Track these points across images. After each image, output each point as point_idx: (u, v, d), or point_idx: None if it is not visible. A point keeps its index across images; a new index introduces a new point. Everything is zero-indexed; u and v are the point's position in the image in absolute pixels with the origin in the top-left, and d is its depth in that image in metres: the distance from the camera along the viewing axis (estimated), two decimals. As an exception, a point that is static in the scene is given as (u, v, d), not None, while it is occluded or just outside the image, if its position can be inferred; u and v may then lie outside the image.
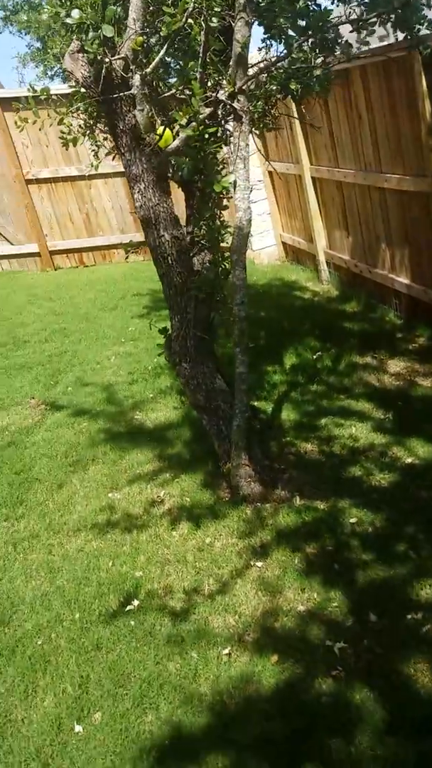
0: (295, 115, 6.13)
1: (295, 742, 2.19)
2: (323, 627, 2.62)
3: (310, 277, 7.25)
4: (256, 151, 3.48)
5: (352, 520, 3.17)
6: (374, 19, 2.83)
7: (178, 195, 3.57)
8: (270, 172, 7.78)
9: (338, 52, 3.13)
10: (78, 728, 2.35)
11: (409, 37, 3.39)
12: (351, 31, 2.92)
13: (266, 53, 3.32)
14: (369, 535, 3.08)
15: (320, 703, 2.32)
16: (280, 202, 7.97)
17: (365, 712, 2.26)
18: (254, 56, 3.53)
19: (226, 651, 2.57)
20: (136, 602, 2.88)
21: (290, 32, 2.94)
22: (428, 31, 3.52)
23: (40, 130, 3.56)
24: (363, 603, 2.69)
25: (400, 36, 3.38)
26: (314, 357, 5.05)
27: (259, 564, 3.00)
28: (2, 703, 2.48)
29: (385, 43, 4.72)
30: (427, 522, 3.08)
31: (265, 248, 8.25)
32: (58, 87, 6.55)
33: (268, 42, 3.19)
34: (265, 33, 3.32)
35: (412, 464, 3.55)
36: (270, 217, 8.13)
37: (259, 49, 3.38)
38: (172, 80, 3.46)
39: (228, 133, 3.33)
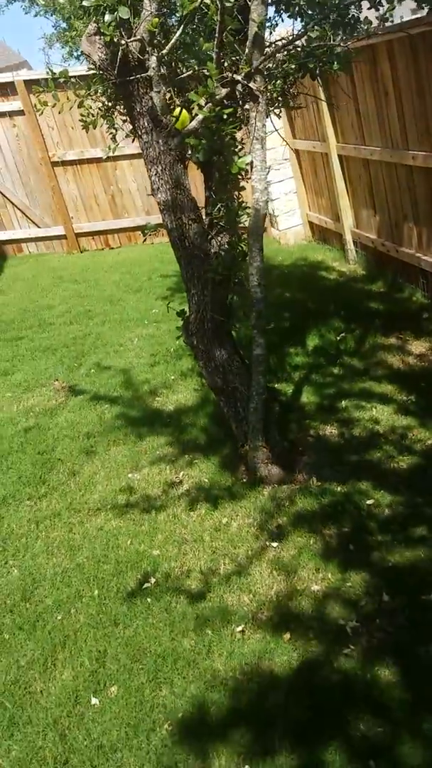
0: (320, 93, 6.06)
1: (312, 717, 2.23)
2: (337, 607, 2.64)
3: (336, 257, 7.18)
4: (273, 131, 3.44)
5: (370, 502, 3.18)
6: (393, -6, 2.77)
7: (197, 176, 3.58)
8: (296, 151, 7.69)
9: (357, 30, 3.07)
10: (94, 701, 2.42)
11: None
12: (369, 8, 2.87)
13: (271, 33, 3.28)
14: (386, 517, 3.09)
15: (332, 681, 2.35)
16: (306, 180, 7.88)
17: (378, 690, 2.29)
18: (275, 34, 3.48)
19: (240, 628, 2.61)
20: (153, 580, 2.94)
21: (308, 11, 2.89)
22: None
23: (59, 113, 3.59)
24: (377, 584, 2.71)
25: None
26: (338, 338, 5.02)
27: (275, 544, 3.04)
28: (22, 676, 2.57)
29: (415, 16, 4.63)
30: (445, 505, 3.07)
31: (292, 228, 8.18)
32: (77, 69, 6.54)
33: (273, 21, 3.15)
34: (275, 12, 3.28)
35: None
36: (296, 196, 8.05)
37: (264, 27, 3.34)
38: (192, 60, 3.44)
39: (246, 113, 3.30)
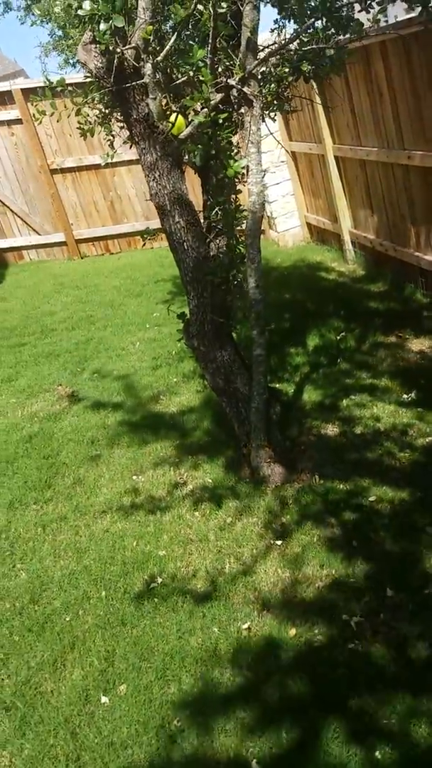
0: (316, 95, 6.10)
1: (318, 708, 2.26)
2: (341, 602, 2.68)
3: (335, 258, 7.22)
4: (268, 134, 3.48)
5: (372, 499, 3.21)
6: (383, -3, 2.81)
7: (194, 180, 3.62)
8: (292, 153, 7.74)
9: (350, 32, 3.11)
10: (104, 699, 2.46)
11: (425, 12, 3.35)
12: (360, 11, 2.91)
13: (278, 35, 3.32)
14: (388, 512, 3.12)
15: (337, 674, 2.38)
16: (303, 182, 7.92)
17: (381, 681, 2.32)
18: (267, 39, 3.53)
19: (246, 626, 2.64)
20: (159, 580, 2.98)
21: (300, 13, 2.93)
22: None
23: (57, 121, 3.64)
24: (381, 579, 2.74)
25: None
26: (338, 338, 5.05)
27: (279, 542, 3.07)
28: (33, 677, 2.60)
29: (408, 17, 4.66)
30: (446, 499, 3.10)
31: (290, 230, 8.22)
32: (74, 77, 6.60)
33: (280, 23, 3.19)
34: (279, 14, 3.32)
35: (433, 443, 3.56)
36: (294, 198, 8.09)
37: (272, 31, 3.37)
38: (187, 66, 3.49)
39: (242, 117, 3.34)
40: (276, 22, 3.29)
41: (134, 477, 3.79)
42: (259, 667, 2.47)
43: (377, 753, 2.11)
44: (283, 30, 3.32)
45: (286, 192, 8.05)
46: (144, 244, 3.46)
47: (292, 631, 2.58)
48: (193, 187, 3.66)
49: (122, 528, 3.38)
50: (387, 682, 2.32)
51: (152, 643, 2.66)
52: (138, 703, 2.41)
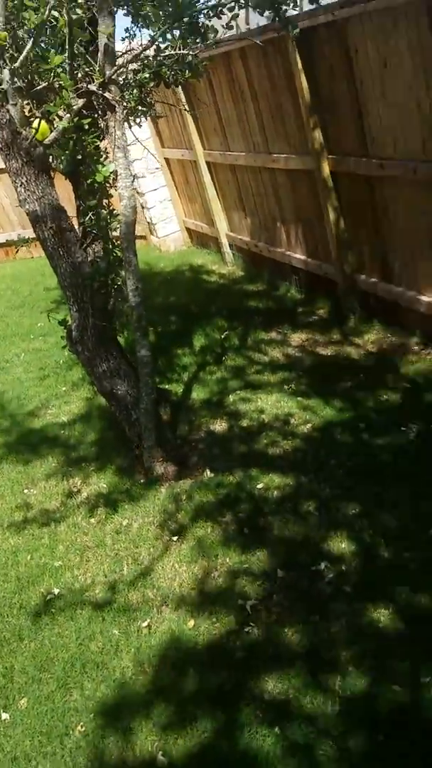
0: (182, 100, 6.22)
1: (220, 693, 2.32)
2: (236, 588, 2.76)
3: (215, 260, 7.37)
4: (135, 140, 3.53)
5: (260, 487, 3.33)
6: (232, 4, 2.93)
7: (69, 186, 3.60)
8: (167, 159, 7.82)
9: (207, 39, 3.21)
10: (5, 716, 2.40)
11: (277, 19, 3.52)
12: (212, 17, 3.02)
13: (129, 43, 3.38)
14: (276, 498, 3.24)
15: (235, 657, 2.46)
16: (179, 187, 8.03)
17: (277, 660, 2.41)
18: (125, 46, 3.58)
19: (146, 624, 2.67)
20: (56, 591, 2.94)
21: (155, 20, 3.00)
22: (295, 11, 3.68)
23: None
24: (272, 562, 2.85)
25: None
26: (222, 337, 5.18)
27: (176, 539, 3.11)
28: None
29: (264, 23, 4.86)
30: (327, 480, 3.26)
31: (170, 234, 8.31)
32: None
33: (131, 32, 3.25)
34: (132, 22, 3.38)
35: (313, 429, 3.73)
36: (172, 204, 8.19)
37: (123, 39, 3.43)
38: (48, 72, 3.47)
39: (106, 122, 3.37)
40: (127, 30, 3.35)
41: (25, 491, 3.71)
42: (160, 663, 2.50)
43: (277, 729, 2.19)
44: (135, 37, 3.39)
45: (164, 198, 8.13)
46: (17, 251, 3.40)
47: (191, 623, 2.63)
48: (69, 193, 3.64)
49: (15, 544, 3.31)
50: (283, 660, 2.42)
51: (51, 653, 2.63)
52: (40, 715, 2.38)
